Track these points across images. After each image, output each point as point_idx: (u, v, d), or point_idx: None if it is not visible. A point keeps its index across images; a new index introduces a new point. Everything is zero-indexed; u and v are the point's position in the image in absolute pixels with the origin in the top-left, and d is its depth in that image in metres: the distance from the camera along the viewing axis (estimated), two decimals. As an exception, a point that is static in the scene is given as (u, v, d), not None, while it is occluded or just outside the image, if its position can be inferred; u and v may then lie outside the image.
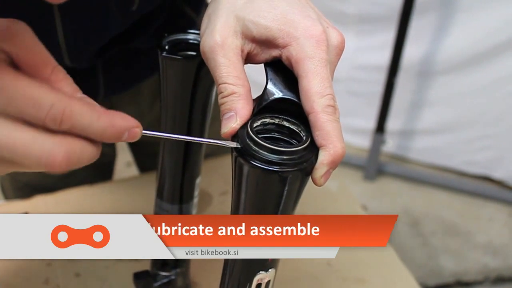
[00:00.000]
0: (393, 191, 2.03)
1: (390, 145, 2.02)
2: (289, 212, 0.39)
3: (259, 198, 0.37)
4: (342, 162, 1.57)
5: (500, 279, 1.76)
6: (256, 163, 0.35)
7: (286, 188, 0.36)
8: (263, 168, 0.35)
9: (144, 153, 0.93)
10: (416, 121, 2.04)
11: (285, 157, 0.35)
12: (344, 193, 0.86)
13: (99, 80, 0.69)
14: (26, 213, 0.75)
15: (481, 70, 1.85)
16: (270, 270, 0.41)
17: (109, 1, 0.56)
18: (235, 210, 0.39)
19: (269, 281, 0.42)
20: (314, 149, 0.37)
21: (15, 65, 0.34)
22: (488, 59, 1.82)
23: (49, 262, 0.70)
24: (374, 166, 2.01)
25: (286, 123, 0.39)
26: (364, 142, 2.08)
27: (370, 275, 0.73)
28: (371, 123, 1.98)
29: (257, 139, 0.35)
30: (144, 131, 0.35)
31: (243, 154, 0.36)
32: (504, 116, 1.91)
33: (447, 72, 1.90)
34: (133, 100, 0.79)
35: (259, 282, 0.41)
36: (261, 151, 0.35)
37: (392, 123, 1.98)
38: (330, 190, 0.86)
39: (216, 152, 0.85)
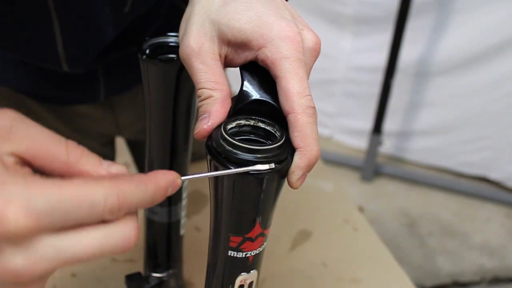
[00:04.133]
0: (390, 192, 2.03)
1: (387, 146, 2.02)
2: (268, 213, 0.38)
3: (237, 201, 0.37)
4: (339, 163, 1.59)
5: (497, 280, 1.77)
6: (232, 166, 0.34)
7: (263, 188, 0.36)
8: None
9: (143, 153, 0.94)
10: (413, 122, 2.05)
11: (259, 155, 0.35)
12: (339, 194, 0.86)
13: (99, 82, 0.70)
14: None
15: (477, 71, 1.85)
16: (252, 271, 0.41)
17: (102, 4, 0.57)
18: (214, 213, 0.39)
19: (251, 282, 0.42)
20: (289, 147, 0.37)
21: (26, 162, 0.31)
22: (484, 60, 1.82)
23: (46, 263, 0.70)
24: (371, 167, 2.02)
25: (261, 124, 0.38)
26: (361, 143, 2.08)
27: (365, 275, 0.73)
28: (368, 124, 1.98)
29: (230, 139, 0.35)
30: (183, 177, 0.34)
31: (219, 157, 0.35)
32: (500, 117, 1.92)
33: (443, 73, 1.91)
34: (133, 102, 0.79)
35: (242, 283, 0.42)
36: (234, 150, 0.35)
37: (389, 124, 1.99)
38: (326, 191, 0.86)
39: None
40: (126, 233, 0.31)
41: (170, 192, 0.33)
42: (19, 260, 0.28)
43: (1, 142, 0.30)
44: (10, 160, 0.30)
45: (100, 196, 0.30)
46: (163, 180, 0.33)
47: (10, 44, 0.60)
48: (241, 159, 0.34)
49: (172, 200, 0.56)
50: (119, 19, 0.60)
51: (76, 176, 0.31)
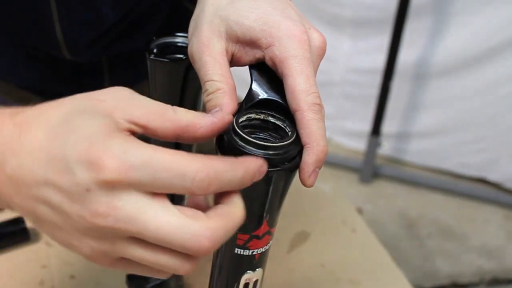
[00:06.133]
0: (389, 193, 2.03)
1: (385, 147, 2.02)
2: (276, 211, 0.39)
3: (245, 198, 0.37)
4: (338, 164, 1.59)
5: (495, 281, 1.77)
6: None
7: (272, 186, 0.36)
8: None
9: None
10: (412, 123, 2.05)
11: (271, 152, 0.35)
12: (338, 195, 0.86)
13: (104, 76, 0.70)
14: (20, 217, 0.75)
15: (475, 72, 1.86)
16: (257, 269, 0.41)
17: None
18: None
19: (257, 281, 0.42)
20: (299, 144, 0.37)
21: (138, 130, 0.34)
22: (482, 61, 1.83)
23: (45, 264, 0.70)
24: (369, 168, 2.02)
25: (271, 119, 0.39)
26: (359, 144, 2.09)
27: (364, 277, 0.73)
28: (366, 125, 1.99)
29: (243, 134, 0.35)
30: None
31: (229, 153, 0.36)
32: (499, 118, 1.92)
33: (441, 75, 1.91)
34: None
35: (247, 281, 0.42)
36: (247, 146, 0.35)
37: (388, 126, 1.99)
38: (324, 192, 0.86)
39: (211, 154, 0.86)
40: (201, 234, 0.31)
41: (257, 178, 0.33)
42: (101, 205, 0.30)
43: (120, 110, 0.33)
44: (125, 125, 0.33)
45: (192, 168, 0.31)
46: (252, 165, 0.33)
47: (10, 27, 0.60)
48: (253, 155, 0.35)
49: (175, 198, 0.56)
50: (118, 3, 0.60)
51: (186, 138, 0.34)
